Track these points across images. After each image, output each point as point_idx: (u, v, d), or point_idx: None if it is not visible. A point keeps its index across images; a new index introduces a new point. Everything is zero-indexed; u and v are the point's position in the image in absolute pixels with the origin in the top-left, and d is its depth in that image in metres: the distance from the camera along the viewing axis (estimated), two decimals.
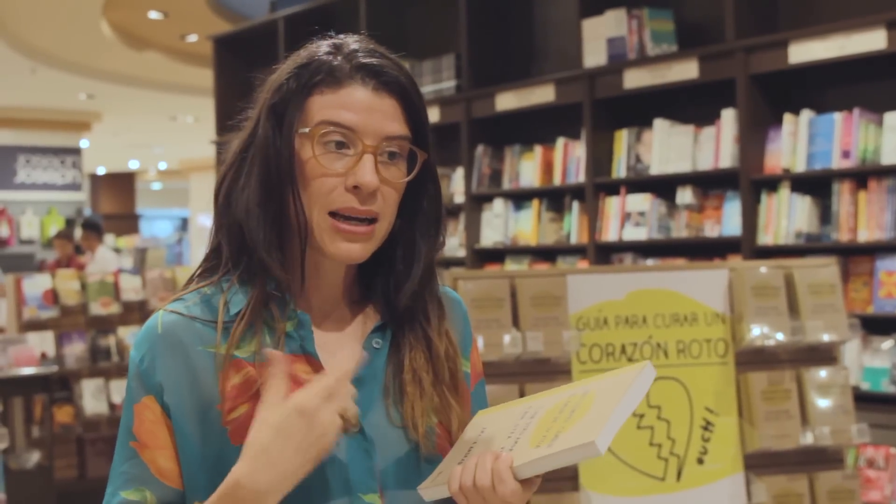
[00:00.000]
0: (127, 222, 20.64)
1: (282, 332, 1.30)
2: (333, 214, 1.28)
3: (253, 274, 1.31)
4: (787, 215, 4.44)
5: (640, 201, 5.04)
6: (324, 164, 1.28)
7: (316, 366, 1.30)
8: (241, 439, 1.22)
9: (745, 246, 4.56)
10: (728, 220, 4.74)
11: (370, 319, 1.38)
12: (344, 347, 1.34)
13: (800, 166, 4.42)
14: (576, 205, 5.40)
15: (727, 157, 4.69)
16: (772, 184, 4.53)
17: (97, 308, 6.42)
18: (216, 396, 1.27)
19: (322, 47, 1.33)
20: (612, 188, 5.21)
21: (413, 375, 1.34)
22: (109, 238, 17.12)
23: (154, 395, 1.28)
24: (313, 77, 1.30)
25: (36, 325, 6.33)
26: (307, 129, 1.29)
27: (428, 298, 1.38)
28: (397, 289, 1.35)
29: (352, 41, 1.34)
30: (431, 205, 1.37)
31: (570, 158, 5.43)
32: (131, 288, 6.56)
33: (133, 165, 21.47)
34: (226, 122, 8.57)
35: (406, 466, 1.30)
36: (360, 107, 1.28)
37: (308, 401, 1.17)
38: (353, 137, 1.28)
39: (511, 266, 5.67)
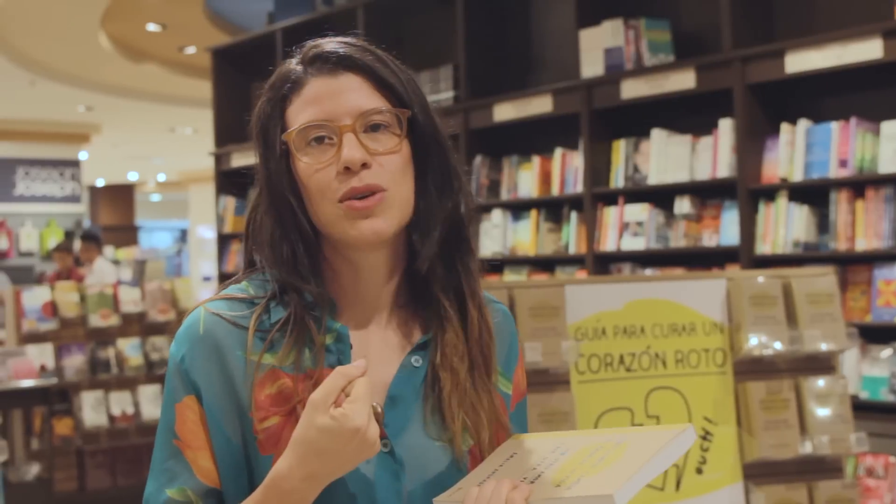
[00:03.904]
0: (126, 234, 20.63)
1: (321, 345, 1.29)
2: (341, 202, 1.27)
3: (289, 291, 1.31)
4: (785, 224, 4.45)
5: (638, 211, 5.05)
6: (312, 162, 1.28)
7: None
8: (269, 450, 1.24)
9: (743, 255, 4.56)
10: (726, 229, 4.74)
11: (416, 329, 1.35)
12: (384, 361, 1.33)
13: (797, 175, 4.43)
14: (574, 215, 5.41)
15: (725, 167, 4.70)
16: (769, 193, 4.54)
17: (96, 320, 6.42)
18: (250, 404, 1.27)
19: (289, 61, 1.35)
20: (610, 198, 5.21)
21: (444, 360, 1.32)
22: (108, 250, 17.12)
23: (195, 394, 1.28)
24: (280, 90, 1.32)
25: (35, 338, 6.33)
26: (287, 141, 1.30)
27: (461, 269, 1.35)
28: (418, 256, 1.32)
29: (312, 43, 1.35)
30: (436, 160, 1.34)
31: (568, 169, 5.44)
32: (130, 300, 6.56)
33: (132, 177, 21.47)
34: (224, 133, 8.56)
35: (435, 489, 1.28)
36: (324, 96, 1.29)
37: (361, 420, 1.16)
38: (329, 127, 1.28)
39: (509, 276, 5.68)
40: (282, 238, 1.30)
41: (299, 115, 1.30)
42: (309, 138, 1.29)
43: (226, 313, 1.30)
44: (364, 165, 1.27)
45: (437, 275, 1.33)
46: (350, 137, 1.27)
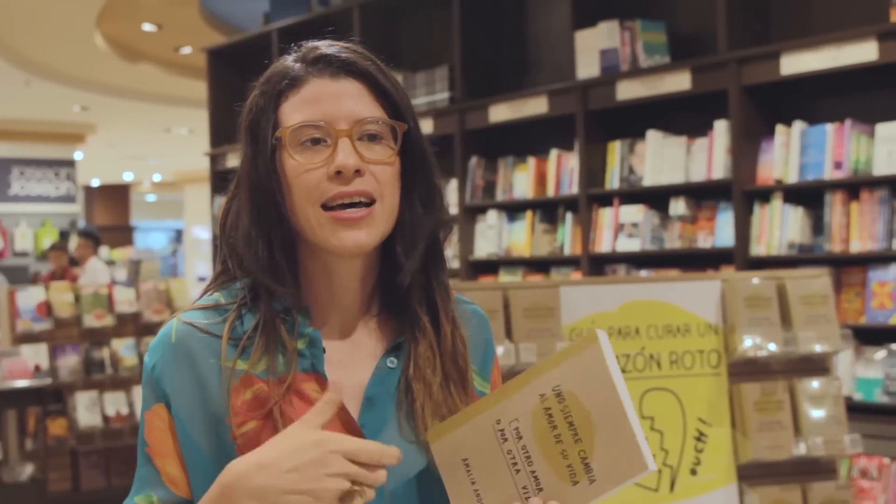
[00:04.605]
0: (121, 234, 20.60)
1: (293, 349, 1.27)
2: (328, 209, 1.25)
3: (261, 294, 1.29)
4: (780, 226, 4.45)
5: (634, 212, 5.05)
6: (303, 161, 1.26)
7: (326, 386, 1.27)
8: None
9: (738, 257, 4.56)
10: (721, 231, 4.75)
11: (389, 334, 1.35)
12: (358, 365, 1.32)
13: (792, 177, 4.43)
14: (569, 216, 5.41)
15: (720, 169, 4.71)
16: (764, 195, 4.55)
17: (91, 320, 6.41)
18: (226, 410, 1.25)
19: (285, 59, 1.33)
20: (606, 199, 5.22)
21: (417, 372, 1.31)
22: (104, 250, 17.10)
23: (164, 403, 1.27)
24: (277, 86, 1.30)
25: (29, 338, 6.32)
26: (280, 137, 1.28)
27: (435, 284, 1.34)
28: (399, 270, 1.31)
29: (312, 44, 1.33)
30: (422, 177, 1.32)
31: (564, 170, 5.44)
32: (125, 300, 6.55)
33: (127, 177, 21.45)
34: (220, 133, 8.54)
35: (417, 487, 1.28)
36: (324, 97, 1.27)
37: (332, 443, 1.14)
38: (325, 129, 1.26)
39: (505, 277, 5.68)
40: (258, 237, 1.28)
41: (295, 113, 1.28)
42: (303, 137, 1.26)
43: (199, 322, 1.29)
44: (357, 172, 1.25)
45: (412, 287, 1.33)
46: (345, 142, 1.25)
